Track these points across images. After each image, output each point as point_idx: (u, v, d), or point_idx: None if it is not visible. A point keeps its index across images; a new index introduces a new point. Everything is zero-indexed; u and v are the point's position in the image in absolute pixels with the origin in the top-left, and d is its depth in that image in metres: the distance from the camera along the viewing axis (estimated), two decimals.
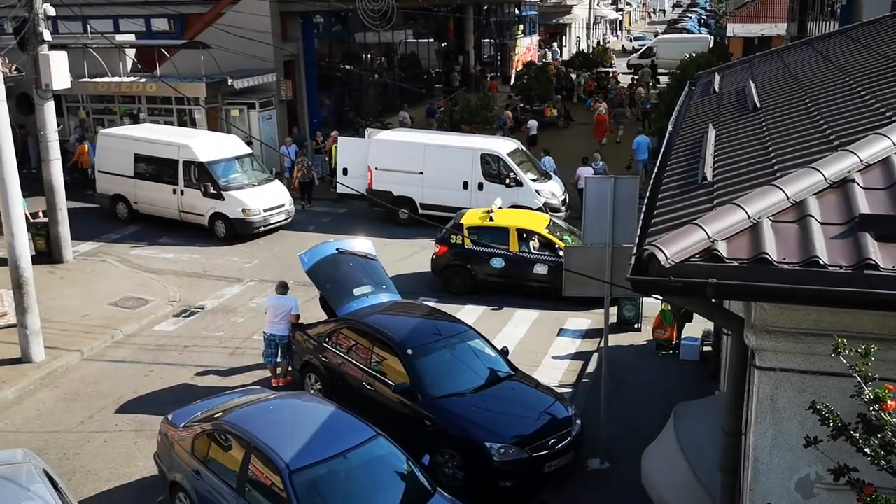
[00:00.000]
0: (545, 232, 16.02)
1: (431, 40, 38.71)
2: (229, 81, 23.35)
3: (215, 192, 19.07)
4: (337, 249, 12.85)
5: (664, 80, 38.51)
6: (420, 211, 20.38)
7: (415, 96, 33.93)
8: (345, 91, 30.95)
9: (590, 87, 39.66)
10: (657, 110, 25.37)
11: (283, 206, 19.61)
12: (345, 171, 21.22)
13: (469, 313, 15.22)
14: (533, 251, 15.77)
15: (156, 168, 19.86)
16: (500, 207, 16.87)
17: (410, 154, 20.40)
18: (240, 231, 19.00)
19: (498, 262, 15.81)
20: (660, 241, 5.25)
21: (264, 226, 19.05)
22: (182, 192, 19.48)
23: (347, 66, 31.23)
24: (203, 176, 19.15)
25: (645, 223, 6.45)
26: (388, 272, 13.27)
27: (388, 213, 20.66)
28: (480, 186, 19.98)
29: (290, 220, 19.81)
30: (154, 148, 19.84)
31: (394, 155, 20.50)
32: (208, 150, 19.38)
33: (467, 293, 16.04)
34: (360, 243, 13.33)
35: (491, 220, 16.16)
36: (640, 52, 52.58)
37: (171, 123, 24.15)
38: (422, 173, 20.29)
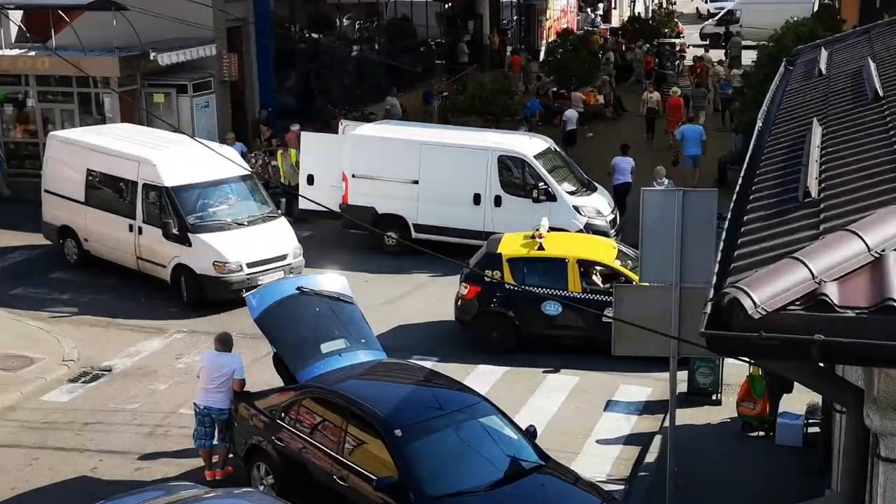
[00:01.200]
0: (616, 264, 16.13)
1: (431, 0, 39.14)
2: (151, 55, 23.64)
3: (179, 233, 17.77)
4: (298, 289, 12.92)
5: (749, 57, 38.88)
6: (414, 235, 20.50)
7: (408, 76, 34.27)
8: (311, 69, 31.27)
9: (647, 64, 40.04)
10: (741, 97, 25.58)
11: (283, 258, 18.07)
12: (310, 180, 21.39)
13: (482, 377, 15.25)
14: (599, 290, 15.79)
15: (111, 192, 18.97)
16: (549, 230, 16.99)
17: (401, 156, 20.59)
18: (210, 294, 17.56)
19: (553, 308, 15.87)
20: (746, 282, 5.28)
21: (248, 289, 16.00)
22: (140, 231, 18.40)
23: (315, 36, 31.58)
24: (167, 207, 17.92)
25: (725, 255, 6.49)
26: (368, 321, 13.31)
27: (371, 237, 20.79)
28: (498, 201, 20.13)
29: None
30: (109, 162, 18.85)
31: (378, 157, 20.68)
32: (179, 168, 18.15)
33: (509, 352, 16.06)
34: (331, 280, 13.40)
35: (540, 248, 16.28)
36: (717, 18, 53.10)
37: (71, 113, 24.39)
38: (417, 183, 20.47)
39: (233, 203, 18.62)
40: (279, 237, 18.39)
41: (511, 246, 16.45)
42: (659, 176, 20.59)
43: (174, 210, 17.89)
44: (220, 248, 17.62)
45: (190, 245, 17.71)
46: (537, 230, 16.56)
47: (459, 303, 16.43)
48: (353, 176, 20.75)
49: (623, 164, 23.40)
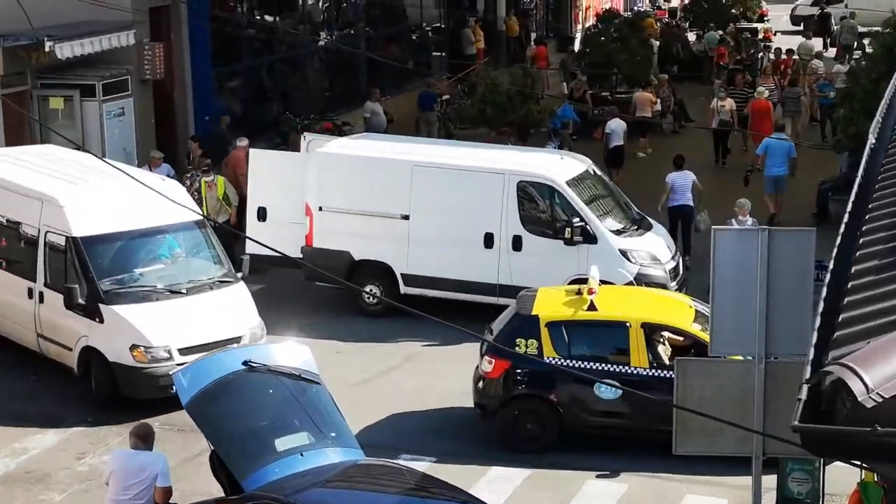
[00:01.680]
0: (694, 329, 16.17)
1: None
2: (47, 45, 23.75)
3: (87, 302, 17.22)
4: (245, 364, 12.91)
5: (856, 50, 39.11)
6: (403, 289, 20.56)
7: (395, 74, 34.50)
8: (265, 64, 31.45)
9: (721, 58, 40.33)
10: (847, 103, 25.72)
11: (236, 340, 17.23)
12: (261, 214, 21.47)
13: (496, 484, 15.19)
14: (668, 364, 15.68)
15: (7, 242, 18.79)
16: (600, 283, 17.06)
17: (386, 182, 20.69)
18: (126, 390, 16.98)
19: (609, 392, 15.94)
20: (855, 358, 5.30)
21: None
22: (41, 298, 18.00)
23: (270, 19, 31.79)
24: (73, 266, 17.44)
25: (827, 320, 6.52)
26: (340, 407, 13.29)
27: (345, 292, 20.75)
28: (517, 243, 20.20)
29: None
30: (5, 201, 18.68)
31: (355, 184, 20.78)
32: (94, 210, 17.73)
33: (546, 449, 16.01)
34: (290, 351, 13.40)
35: (592, 307, 16.37)
36: None
37: None
38: (407, 218, 20.56)
39: (171, 261, 18.19)
40: (233, 311, 17.78)
41: (550, 305, 16.50)
42: (743, 212, 20.60)
43: (83, 270, 17.33)
44: (141, 327, 16.97)
45: (101, 321, 17.15)
46: (587, 287, 16.50)
47: (481, 384, 16.44)
48: (321, 209, 20.80)
49: (680, 181, 23.69)
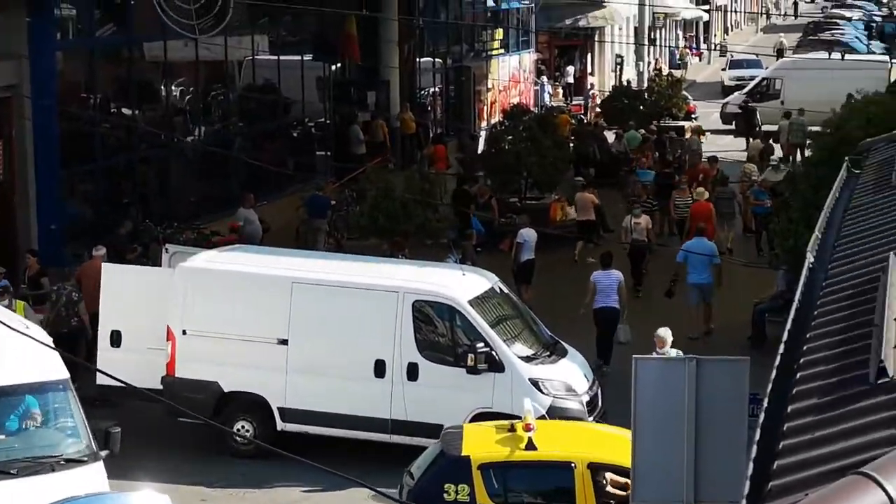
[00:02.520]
0: None
1: (310, 58, 39.86)
2: None
3: None
4: None
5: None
6: (281, 426, 20.42)
7: (273, 176, 34.55)
8: (120, 164, 31.31)
9: (646, 157, 40.88)
10: (786, 213, 26.08)
11: None
12: (114, 339, 21.24)
13: None
14: None
15: None
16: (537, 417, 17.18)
17: (262, 301, 20.65)
18: None
19: None
20: None
21: None
22: None
23: (128, 112, 31.73)
24: None
25: (762, 463, 6.58)
26: None
27: (212, 431, 20.52)
28: (413, 371, 20.16)
29: None
30: None
31: (225, 303, 20.73)
32: None
33: None
34: (147, 502, 13.16)
35: (531, 446, 16.40)
36: (748, 90, 54.80)
37: None
38: (286, 343, 20.47)
39: (10, 432, 16.19)
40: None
41: (482, 444, 16.54)
42: (661, 343, 20.35)
43: None
44: None
45: None
46: (523, 422, 16.51)
47: None
48: (185, 333, 20.63)
49: (605, 281, 24.16)
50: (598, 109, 52.69)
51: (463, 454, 16.23)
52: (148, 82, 32.92)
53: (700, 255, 26.12)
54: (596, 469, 16.08)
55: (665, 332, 20.45)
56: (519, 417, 18.76)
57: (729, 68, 68.22)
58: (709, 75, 74.33)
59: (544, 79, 59.93)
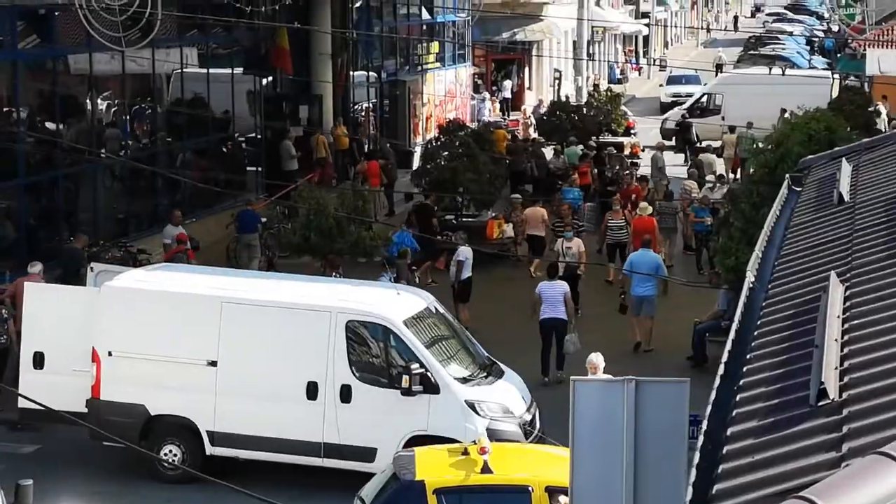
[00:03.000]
0: None
1: (241, 71, 39.81)
2: None
3: None
4: None
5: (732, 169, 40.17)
6: (210, 450, 20.33)
7: (203, 193, 34.42)
8: (42, 182, 31.08)
9: (582, 177, 40.88)
10: (726, 231, 26.30)
11: None
12: (37, 361, 21.06)
13: None
14: None
15: None
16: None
17: (189, 321, 20.56)
18: None
19: None
20: None
21: None
22: None
23: (51, 127, 31.53)
24: None
25: (701, 488, 6.64)
26: None
27: (139, 456, 20.39)
28: (346, 393, 20.14)
29: None
30: None
31: (151, 324, 20.61)
32: None
33: None
34: None
35: (486, 469, 16.43)
36: (688, 105, 55.20)
37: None
38: (214, 365, 20.41)
39: None
40: None
41: (436, 468, 16.55)
42: (594, 368, 20.07)
43: None
44: None
45: None
46: (477, 445, 16.57)
47: None
48: (110, 354, 20.50)
49: (550, 291, 24.52)
50: (532, 124, 52.95)
51: (417, 479, 16.21)
52: (73, 96, 32.73)
53: (639, 272, 26.32)
54: (552, 492, 16.10)
55: (597, 358, 20.31)
56: (455, 441, 18.81)
57: (667, 84, 68.72)
58: (649, 90, 74.87)
59: (486, 94, 60.08)
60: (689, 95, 58.90)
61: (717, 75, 65.17)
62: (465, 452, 16.57)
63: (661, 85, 69.27)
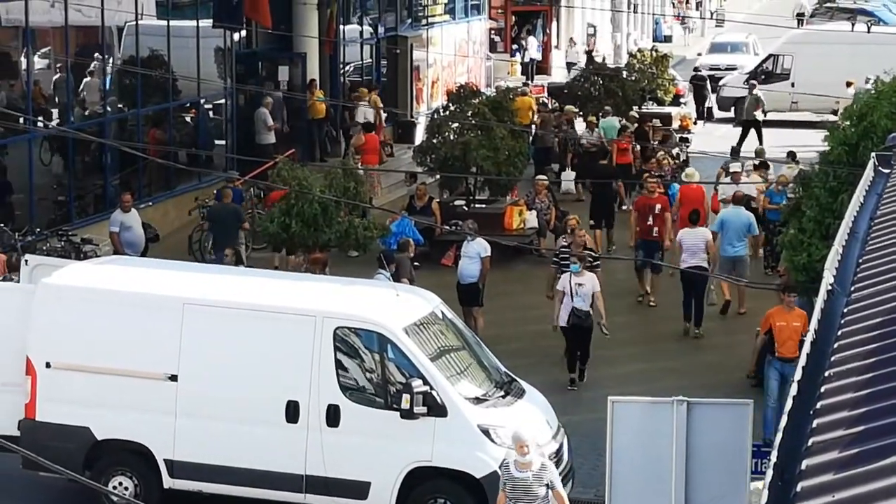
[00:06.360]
0: None
1: (209, 24, 39.73)
2: None
3: None
4: None
5: (802, 146, 40.03)
6: (169, 483, 20.35)
7: (160, 170, 34.46)
8: None
9: (621, 155, 40.81)
10: (795, 221, 26.11)
11: None
12: None
13: None
14: None
15: None
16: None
17: (145, 327, 20.62)
18: None
19: None
20: None
21: None
22: None
23: None
24: None
25: None
26: None
27: (84, 489, 20.43)
28: (333, 415, 20.18)
29: None
30: None
31: (99, 329, 20.66)
32: None
33: None
34: None
35: None
36: (752, 71, 54.93)
37: None
38: (175, 379, 20.42)
39: None
40: None
41: None
42: (521, 448, 17.72)
43: None
44: None
45: None
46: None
47: None
48: (49, 366, 20.54)
49: (691, 241, 26.02)
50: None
51: None
52: (3, 52, 32.76)
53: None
54: None
55: (524, 433, 18.08)
56: (466, 475, 18.73)
57: (708, 52, 67.63)
58: (692, 51, 74.54)
59: (532, 39, 60.06)
60: (732, 68, 58.61)
61: (795, 31, 64.43)
62: None
63: (699, 54, 67.63)
